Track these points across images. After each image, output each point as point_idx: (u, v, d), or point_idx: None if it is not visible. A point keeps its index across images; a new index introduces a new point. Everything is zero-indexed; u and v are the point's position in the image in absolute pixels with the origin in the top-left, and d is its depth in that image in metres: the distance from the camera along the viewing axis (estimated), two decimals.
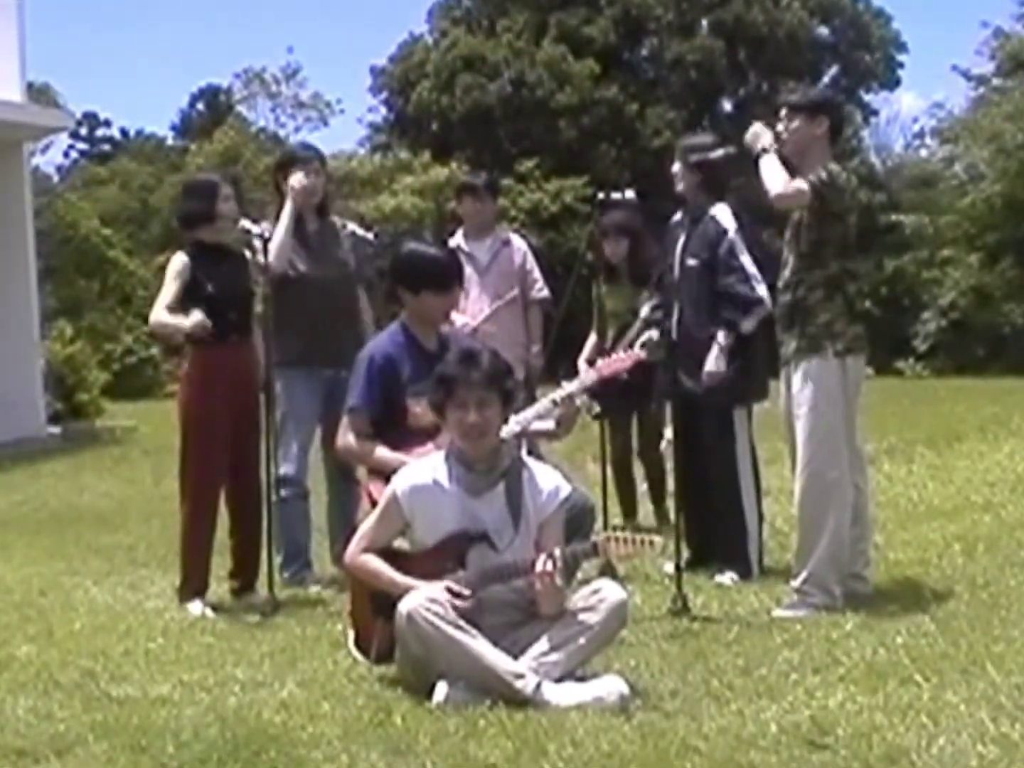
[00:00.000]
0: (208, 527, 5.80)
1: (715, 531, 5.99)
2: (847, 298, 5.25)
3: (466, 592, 4.04)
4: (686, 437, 5.80)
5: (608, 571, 5.63)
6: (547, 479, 4.27)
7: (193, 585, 5.74)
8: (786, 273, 5.33)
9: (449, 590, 4.04)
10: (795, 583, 5.22)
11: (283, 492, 6.14)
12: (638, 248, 7.11)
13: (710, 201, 6.00)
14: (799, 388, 5.24)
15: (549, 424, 4.96)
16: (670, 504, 6.75)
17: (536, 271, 7.06)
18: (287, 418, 6.15)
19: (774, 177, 5.17)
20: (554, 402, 4.96)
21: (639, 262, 7.01)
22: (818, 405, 5.19)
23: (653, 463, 7.18)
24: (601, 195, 6.23)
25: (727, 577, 5.80)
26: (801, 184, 5.13)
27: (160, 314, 5.75)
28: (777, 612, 5.14)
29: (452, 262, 5.06)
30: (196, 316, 5.60)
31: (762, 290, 5.88)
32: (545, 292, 7.06)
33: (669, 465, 8.68)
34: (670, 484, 6.64)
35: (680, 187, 6.07)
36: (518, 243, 7.06)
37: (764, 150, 5.21)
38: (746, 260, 5.91)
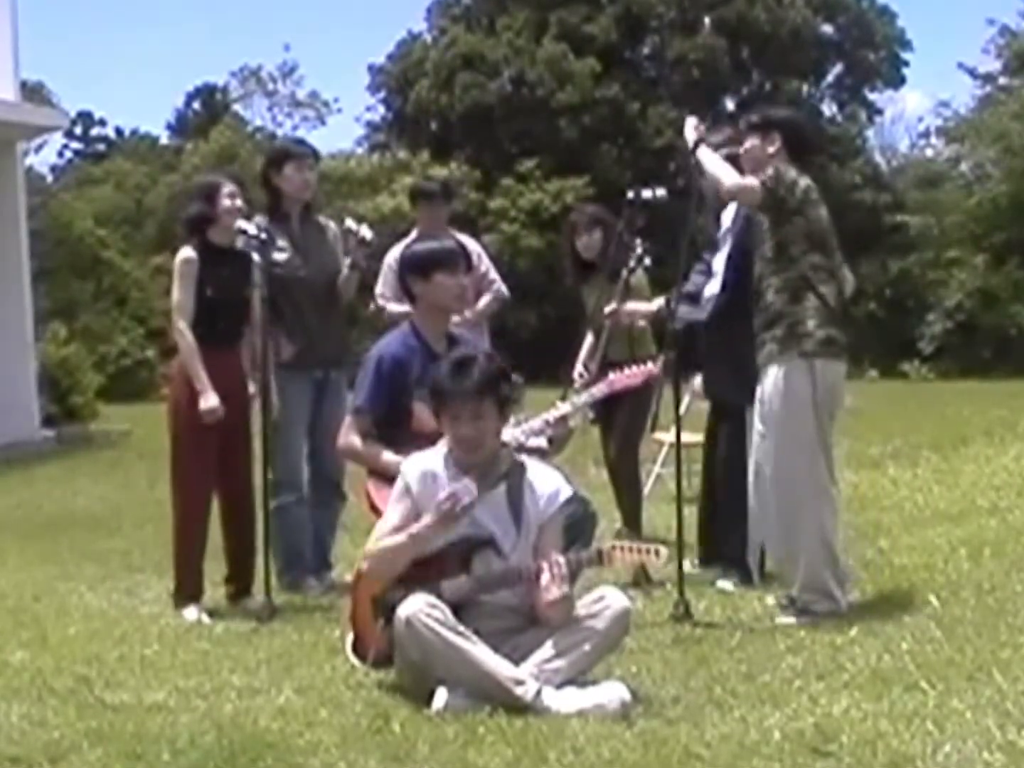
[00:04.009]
0: (199, 531, 5.75)
1: (722, 533, 5.94)
2: (819, 297, 5.15)
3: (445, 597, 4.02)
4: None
5: (641, 579, 5.68)
6: (547, 481, 4.24)
7: (187, 590, 5.70)
8: (756, 277, 5.30)
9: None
10: (793, 592, 5.17)
11: (281, 498, 6.09)
12: (609, 242, 6.90)
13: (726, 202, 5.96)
14: (769, 393, 5.17)
15: (541, 442, 4.95)
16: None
17: (492, 271, 7.10)
18: (280, 422, 6.06)
19: (723, 170, 5.20)
20: (547, 422, 4.94)
21: (608, 256, 6.79)
22: (787, 410, 5.12)
23: (617, 475, 6.81)
24: (631, 193, 6.08)
25: (728, 583, 5.76)
26: (753, 181, 5.14)
27: (187, 332, 5.66)
28: (780, 619, 5.10)
29: (457, 246, 5.16)
30: (212, 402, 5.55)
31: (709, 287, 5.82)
32: (504, 291, 7.07)
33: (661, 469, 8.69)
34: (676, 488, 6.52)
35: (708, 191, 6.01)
36: (472, 246, 7.05)
37: (699, 141, 5.24)
38: (717, 257, 5.85)
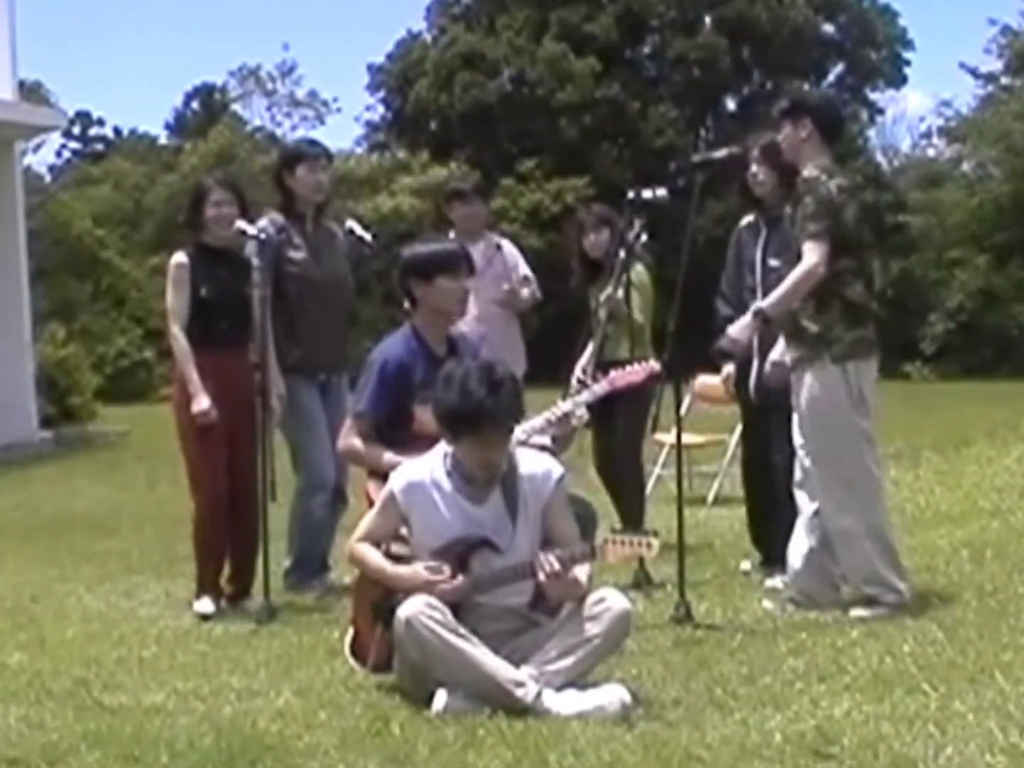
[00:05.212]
0: (221, 524, 5.73)
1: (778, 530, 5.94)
2: (847, 301, 5.16)
3: (450, 584, 4.02)
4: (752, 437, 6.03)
5: (642, 580, 5.68)
6: (537, 463, 4.23)
7: (208, 581, 5.71)
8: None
9: (431, 576, 4.03)
10: (866, 591, 5.18)
11: (312, 500, 6.10)
12: (623, 239, 6.87)
13: (788, 200, 5.94)
14: (805, 399, 5.21)
15: (545, 439, 4.92)
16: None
17: (529, 273, 7.09)
18: (300, 426, 6.08)
19: (788, 291, 5.13)
20: (549, 421, 4.92)
21: (612, 256, 6.76)
22: (826, 415, 5.15)
23: (620, 477, 6.70)
24: (631, 194, 6.06)
25: (777, 580, 5.72)
26: (809, 262, 5.06)
27: (181, 336, 5.67)
28: (854, 612, 5.10)
29: (459, 248, 5.09)
30: (204, 404, 5.56)
31: None
32: (538, 293, 7.07)
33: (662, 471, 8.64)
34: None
35: (760, 191, 5.97)
36: (509, 248, 7.09)
37: (757, 313, 5.18)
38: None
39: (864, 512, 5.16)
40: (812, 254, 5.08)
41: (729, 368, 6.24)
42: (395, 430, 4.73)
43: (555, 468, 4.23)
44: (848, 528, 5.15)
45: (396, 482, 4.20)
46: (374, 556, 4.21)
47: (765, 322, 5.16)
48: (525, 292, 6.94)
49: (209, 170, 25.59)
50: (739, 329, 5.25)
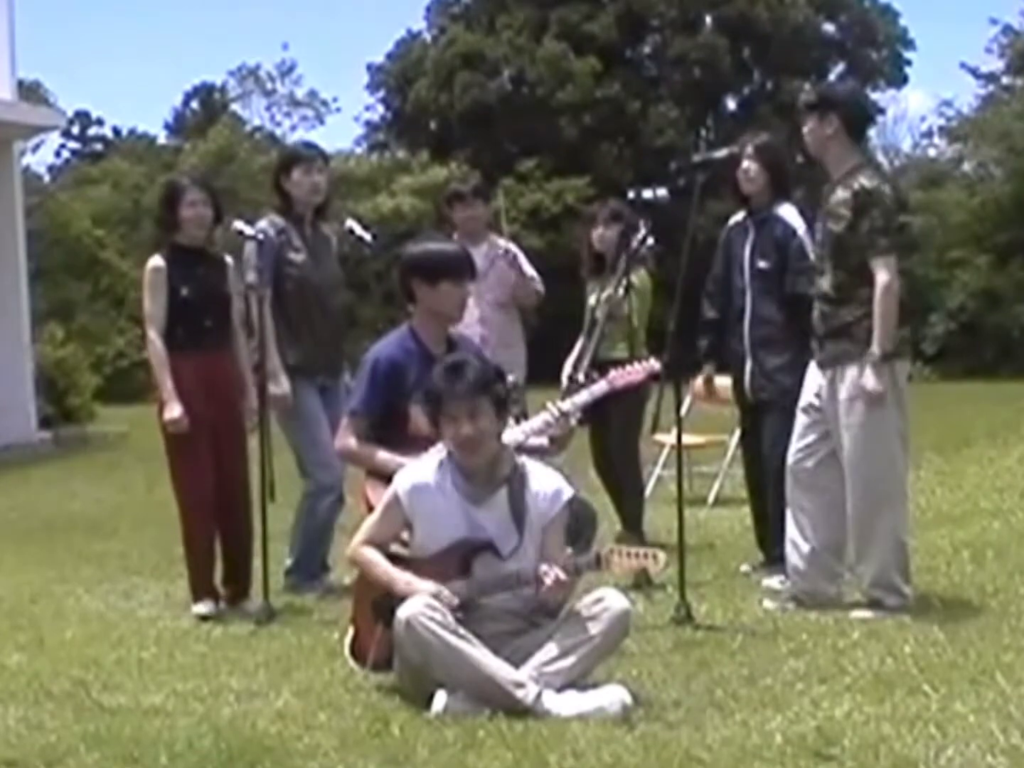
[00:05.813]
0: (206, 531, 5.73)
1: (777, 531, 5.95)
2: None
3: (455, 601, 4.00)
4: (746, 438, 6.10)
5: (642, 581, 5.65)
6: (547, 482, 4.23)
7: (200, 587, 5.69)
8: (824, 284, 5.24)
9: (438, 597, 3.99)
10: (864, 587, 5.19)
11: (319, 500, 6.11)
12: (627, 239, 6.87)
13: (777, 201, 5.92)
14: (849, 394, 5.15)
15: (543, 441, 4.91)
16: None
17: (532, 271, 7.06)
18: (302, 428, 6.10)
19: (884, 320, 5.03)
20: (547, 423, 4.92)
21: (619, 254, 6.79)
22: (869, 410, 5.10)
23: (618, 476, 6.74)
24: (632, 194, 6.09)
25: (775, 580, 5.73)
26: (883, 281, 5.00)
27: (157, 341, 5.69)
28: (856, 614, 5.09)
29: (467, 254, 5.08)
30: (175, 412, 5.54)
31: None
32: (541, 289, 7.04)
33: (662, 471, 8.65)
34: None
35: (749, 188, 5.97)
36: (512, 248, 7.05)
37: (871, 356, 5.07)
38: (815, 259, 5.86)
39: (888, 514, 5.15)
40: (884, 272, 5.03)
41: (710, 370, 6.26)
42: (390, 430, 4.72)
43: (565, 489, 4.24)
44: (869, 529, 5.14)
45: (400, 484, 4.20)
46: (379, 561, 4.20)
47: (886, 357, 5.05)
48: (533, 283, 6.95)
49: (208, 169, 25.59)
50: (872, 381, 5.06)
